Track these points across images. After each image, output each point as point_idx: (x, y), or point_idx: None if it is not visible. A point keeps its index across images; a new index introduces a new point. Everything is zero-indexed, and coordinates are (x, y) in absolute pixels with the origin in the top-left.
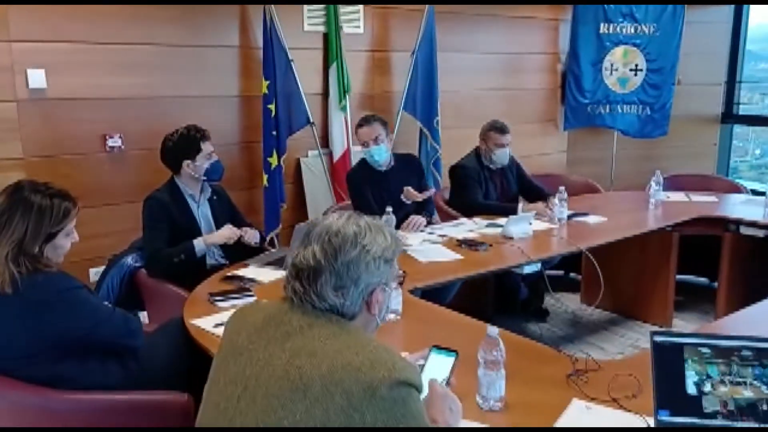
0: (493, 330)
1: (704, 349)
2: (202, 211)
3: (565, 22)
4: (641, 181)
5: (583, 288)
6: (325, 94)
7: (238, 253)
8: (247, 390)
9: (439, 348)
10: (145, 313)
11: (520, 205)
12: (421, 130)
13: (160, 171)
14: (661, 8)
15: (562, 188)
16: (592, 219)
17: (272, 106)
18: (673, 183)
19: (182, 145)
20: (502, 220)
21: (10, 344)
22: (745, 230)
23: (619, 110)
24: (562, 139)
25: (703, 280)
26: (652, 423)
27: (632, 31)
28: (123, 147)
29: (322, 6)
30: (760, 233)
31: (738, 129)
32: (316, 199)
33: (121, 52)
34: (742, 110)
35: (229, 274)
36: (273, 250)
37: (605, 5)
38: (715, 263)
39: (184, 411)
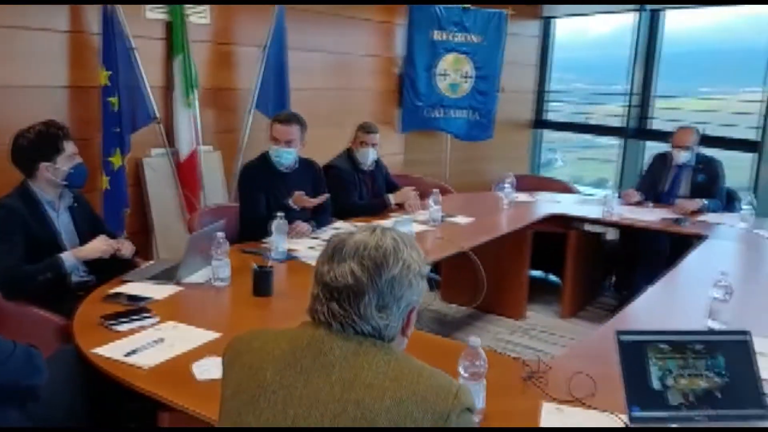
0: (476, 341)
1: (663, 345)
2: (63, 221)
3: (401, 26)
4: (471, 181)
5: (443, 286)
6: (168, 87)
7: (103, 267)
8: None
9: None
10: None
11: (391, 196)
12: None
13: None
14: (487, 19)
15: (436, 190)
16: (462, 219)
17: (114, 99)
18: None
19: (39, 144)
20: (385, 223)
21: None
22: (588, 227)
23: (452, 114)
24: (399, 141)
25: (538, 273)
26: (625, 419)
27: (462, 39)
28: None
29: None
30: (600, 229)
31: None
32: (161, 203)
33: None
34: (552, 117)
35: (110, 292)
36: (149, 263)
37: (438, 13)
38: (560, 260)
39: None
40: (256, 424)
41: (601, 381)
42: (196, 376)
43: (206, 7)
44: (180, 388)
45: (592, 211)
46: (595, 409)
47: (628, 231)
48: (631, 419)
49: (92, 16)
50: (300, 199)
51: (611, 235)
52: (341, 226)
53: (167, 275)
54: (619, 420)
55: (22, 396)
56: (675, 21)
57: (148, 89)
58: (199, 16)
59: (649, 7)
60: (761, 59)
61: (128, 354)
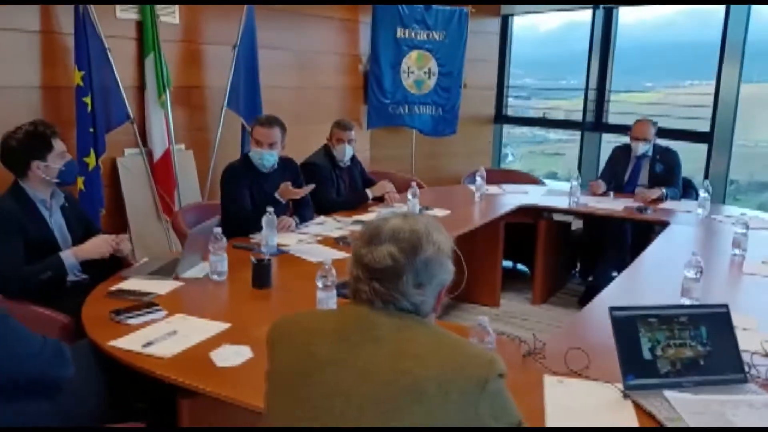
0: (484, 320)
1: (651, 319)
2: (56, 221)
3: (365, 24)
4: (437, 176)
5: None
6: (141, 87)
7: (97, 266)
8: (350, 401)
9: None
10: None
11: (369, 190)
12: (243, 127)
13: None
14: (449, 16)
15: (414, 184)
16: (438, 212)
17: (88, 100)
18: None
19: (29, 143)
20: (364, 217)
21: None
22: (557, 217)
23: (417, 111)
24: (365, 137)
25: (507, 263)
26: (620, 387)
27: (425, 36)
28: None
29: None
30: (570, 218)
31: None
32: (137, 203)
33: None
34: (512, 112)
35: (112, 288)
36: (143, 261)
37: (401, 11)
38: (528, 249)
39: None
40: (310, 396)
41: (592, 355)
42: (216, 364)
43: (176, 6)
44: (202, 375)
45: (560, 202)
46: (593, 380)
47: (592, 220)
48: (627, 387)
49: (64, 16)
50: (287, 191)
51: (575, 224)
52: (324, 221)
53: (165, 271)
54: (616, 388)
55: (51, 388)
56: (628, 17)
57: (122, 89)
58: (169, 16)
59: (602, 5)
60: (713, 54)
61: (146, 345)
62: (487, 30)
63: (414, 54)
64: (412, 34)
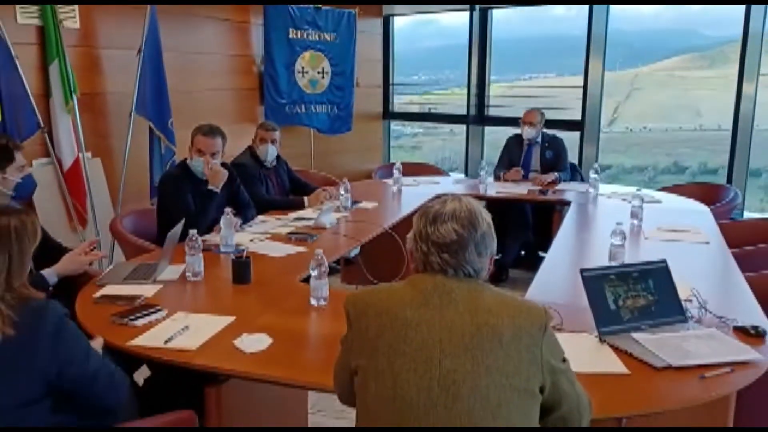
0: None
1: (612, 276)
2: None
3: (257, 25)
4: (336, 172)
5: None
6: (46, 95)
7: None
8: (443, 352)
9: None
10: None
11: (306, 199)
12: (151, 132)
13: None
14: (338, 18)
15: (345, 179)
16: (368, 204)
17: None
18: (387, 172)
19: None
20: (306, 213)
21: (9, 391)
22: None
23: (313, 110)
24: None
25: None
26: (595, 335)
27: (316, 37)
28: None
29: None
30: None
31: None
32: (48, 213)
33: None
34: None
35: (96, 295)
36: (108, 268)
37: (292, 13)
38: None
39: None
40: (408, 350)
41: (565, 312)
42: (245, 351)
43: (76, 10)
44: (236, 361)
45: (471, 190)
46: (569, 332)
47: (495, 204)
48: (602, 333)
49: None
50: (214, 175)
51: None
52: (266, 220)
53: (139, 275)
54: (592, 336)
55: (99, 412)
56: (503, 15)
57: (32, 97)
58: (69, 20)
59: (478, 6)
60: (581, 48)
61: (167, 341)
62: (372, 30)
63: (307, 54)
64: (304, 35)
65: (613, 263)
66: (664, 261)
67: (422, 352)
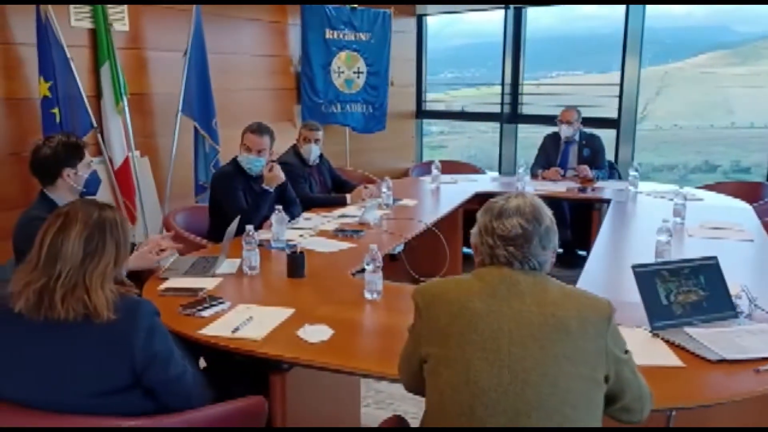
0: None
1: (664, 272)
2: None
3: (294, 26)
4: (371, 170)
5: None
6: (97, 96)
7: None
8: (512, 341)
9: None
10: None
11: (348, 196)
12: (196, 132)
13: None
14: (373, 18)
15: (387, 177)
16: (409, 202)
17: (56, 111)
18: (424, 169)
19: (64, 151)
20: (350, 210)
21: (102, 378)
22: None
23: (348, 109)
24: None
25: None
26: (649, 329)
27: (352, 37)
28: None
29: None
30: None
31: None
32: None
33: None
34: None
35: (161, 288)
36: (171, 260)
37: (329, 13)
38: None
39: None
40: (478, 339)
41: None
42: (308, 340)
43: (125, 12)
44: (300, 350)
45: (508, 188)
46: (621, 326)
47: None
48: (654, 328)
49: (19, 26)
50: (271, 176)
51: None
52: (311, 217)
53: (198, 269)
54: (645, 330)
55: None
56: (536, 13)
57: (85, 98)
58: (119, 23)
59: (512, 5)
60: (617, 45)
61: (234, 331)
62: (406, 30)
63: (343, 54)
64: (341, 35)
65: (659, 260)
66: (714, 258)
67: (492, 341)
